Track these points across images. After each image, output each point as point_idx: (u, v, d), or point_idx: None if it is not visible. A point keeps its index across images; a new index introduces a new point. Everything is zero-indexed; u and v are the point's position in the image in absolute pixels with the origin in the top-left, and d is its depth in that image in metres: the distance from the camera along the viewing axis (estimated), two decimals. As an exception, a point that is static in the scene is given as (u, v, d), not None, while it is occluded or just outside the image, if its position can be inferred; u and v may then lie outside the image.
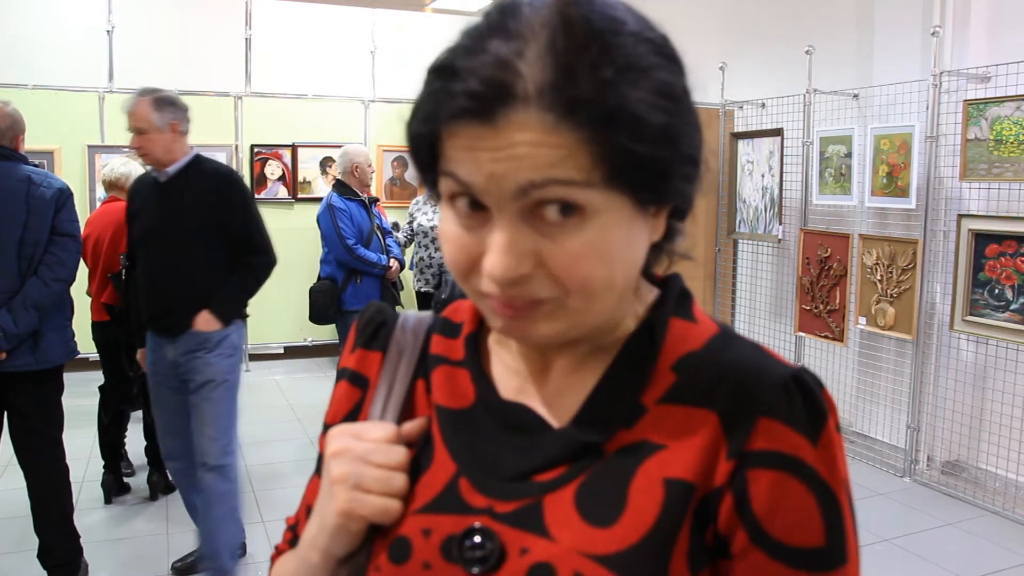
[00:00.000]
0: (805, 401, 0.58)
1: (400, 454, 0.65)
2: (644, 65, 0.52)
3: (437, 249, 5.06)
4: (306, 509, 0.75)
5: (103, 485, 3.77)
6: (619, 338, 0.63)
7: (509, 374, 0.66)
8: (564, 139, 0.51)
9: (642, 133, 0.52)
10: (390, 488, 0.63)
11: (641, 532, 0.57)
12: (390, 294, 4.69)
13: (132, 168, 3.74)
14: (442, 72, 0.54)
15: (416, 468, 0.65)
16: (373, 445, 0.64)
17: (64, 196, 2.84)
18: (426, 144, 0.56)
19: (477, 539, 0.60)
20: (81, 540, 3.04)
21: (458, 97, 0.52)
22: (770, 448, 0.57)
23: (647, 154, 0.52)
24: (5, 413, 2.88)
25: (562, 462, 0.60)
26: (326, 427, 0.73)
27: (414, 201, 5.49)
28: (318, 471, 0.75)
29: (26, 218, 2.75)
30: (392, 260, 4.67)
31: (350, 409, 0.73)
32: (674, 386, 0.61)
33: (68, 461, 3.00)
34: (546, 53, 0.51)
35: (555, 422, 0.63)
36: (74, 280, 2.91)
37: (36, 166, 2.94)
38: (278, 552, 0.77)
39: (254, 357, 6.58)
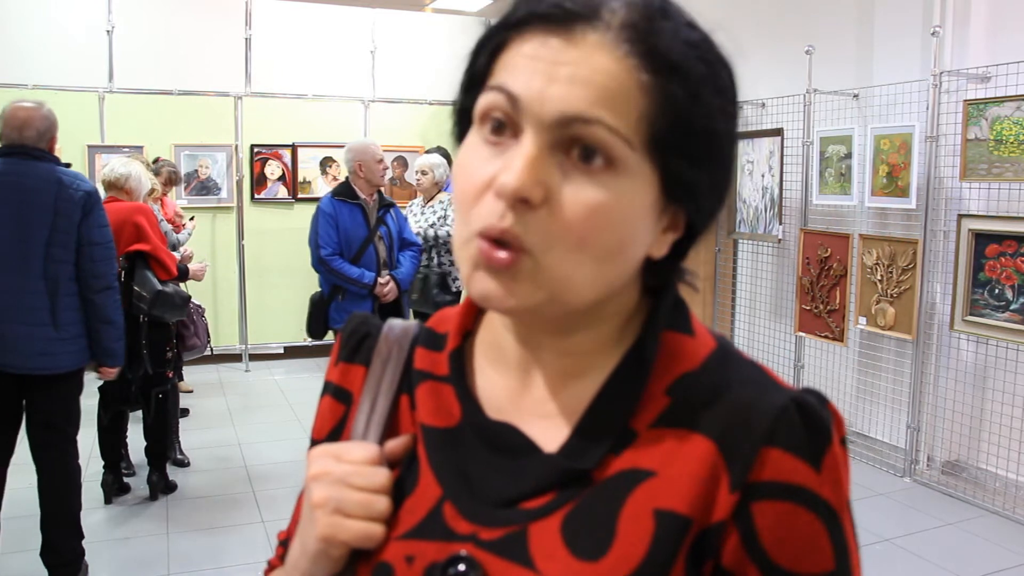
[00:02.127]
0: (806, 425, 0.56)
1: (382, 476, 0.62)
2: (715, 61, 0.56)
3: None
4: (297, 524, 0.75)
5: (103, 485, 3.76)
6: (612, 353, 0.61)
7: (495, 391, 0.63)
8: (627, 77, 0.52)
9: (698, 101, 0.54)
10: (372, 512, 0.61)
11: (631, 566, 0.54)
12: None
13: (133, 168, 3.71)
14: None
15: (400, 490, 0.63)
16: (354, 467, 0.62)
17: (92, 200, 2.85)
18: (493, 44, 0.56)
19: (460, 567, 0.58)
20: (83, 541, 3.05)
21: (545, 3, 0.54)
22: (774, 479, 0.55)
23: (696, 124, 0.54)
24: (25, 412, 2.92)
25: (549, 489, 0.58)
26: (312, 442, 0.72)
27: (408, 205, 5.27)
28: None
29: (53, 219, 2.77)
30: (385, 276, 4.13)
31: (334, 425, 0.71)
32: (667, 410, 0.58)
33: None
34: (637, 4, 0.54)
35: (543, 444, 0.60)
36: (116, 277, 2.97)
37: (67, 167, 2.95)
38: (270, 567, 0.76)
39: (254, 357, 6.59)
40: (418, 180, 5.12)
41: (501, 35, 0.56)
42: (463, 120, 0.59)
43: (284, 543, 0.76)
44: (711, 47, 0.56)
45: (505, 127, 0.54)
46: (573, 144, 0.53)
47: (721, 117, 0.56)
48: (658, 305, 0.62)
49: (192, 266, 4.22)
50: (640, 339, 0.60)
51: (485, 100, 0.55)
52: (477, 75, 0.57)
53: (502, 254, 0.53)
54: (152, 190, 4.19)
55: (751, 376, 0.59)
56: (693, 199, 0.57)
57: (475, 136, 0.56)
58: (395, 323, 0.72)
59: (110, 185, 3.66)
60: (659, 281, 0.63)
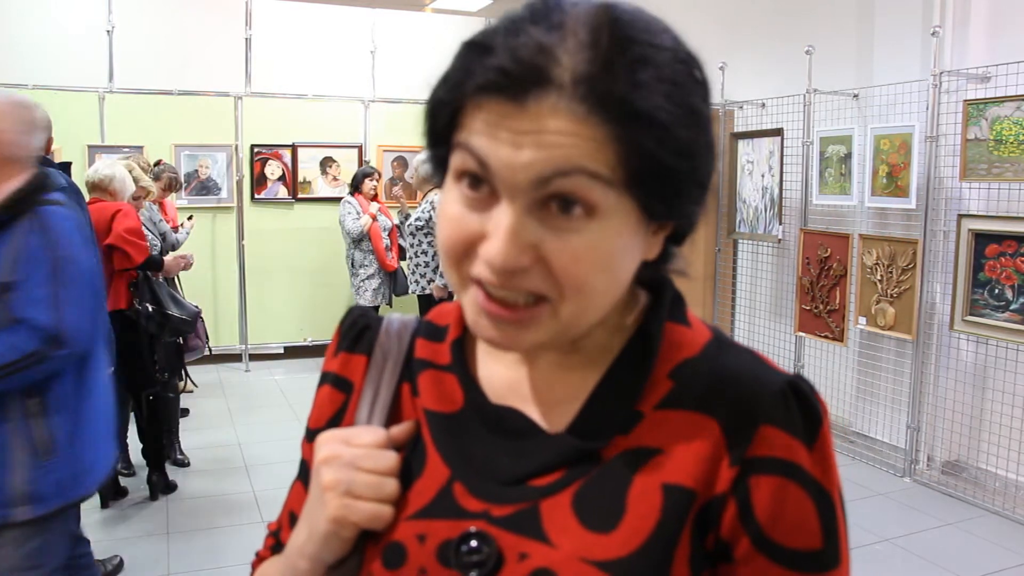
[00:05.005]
0: (801, 407, 0.59)
1: (391, 459, 0.64)
2: (678, 81, 0.53)
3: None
4: (288, 515, 0.75)
5: (99, 489, 3.72)
6: (612, 343, 0.63)
7: (497, 378, 0.66)
8: (592, 133, 0.51)
9: (667, 142, 0.52)
10: (382, 494, 0.63)
11: (641, 538, 0.57)
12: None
13: (117, 170, 3.65)
14: (477, 46, 0.54)
15: (408, 473, 0.65)
16: (363, 451, 0.64)
17: None
18: (448, 111, 0.55)
19: (473, 543, 0.59)
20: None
21: (490, 71, 0.52)
22: (771, 455, 0.58)
23: (668, 164, 0.52)
24: None
25: (559, 467, 0.60)
26: (309, 432, 0.72)
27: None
28: (300, 476, 0.75)
29: None
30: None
31: (334, 413, 0.72)
32: (670, 393, 0.61)
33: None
34: (587, 47, 0.51)
35: (548, 427, 0.62)
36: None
37: (65, 167, 2.91)
38: (259, 559, 0.76)
39: (254, 357, 6.58)
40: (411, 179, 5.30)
41: (454, 101, 0.55)
42: (441, 165, 0.60)
43: (275, 534, 0.77)
44: (676, 66, 0.53)
45: (482, 182, 0.54)
46: (551, 199, 0.53)
47: (697, 138, 0.55)
48: (660, 298, 0.64)
49: (167, 258, 4.01)
50: (643, 328, 0.63)
51: (458, 160, 0.55)
52: (440, 133, 0.57)
53: (513, 313, 0.55)
54: (148, 192, 4.13)
55: (747, 361, 0.63)
56: (678, 213, 0.58)
57: (454, 190, 0.57)
58: (394, 317, 0.73)
59: (94, 186, 3.61)
60: (654, 272, 0.64)
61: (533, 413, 0.63)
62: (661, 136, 0.51)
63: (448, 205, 0.57)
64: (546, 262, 0.53)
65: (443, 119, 0.56)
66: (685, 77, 0.54)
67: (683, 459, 0.58)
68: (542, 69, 0.51)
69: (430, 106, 0.57)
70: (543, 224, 0.53)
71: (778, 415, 0.58)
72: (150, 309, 3.61)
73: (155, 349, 3.70)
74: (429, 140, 0.59)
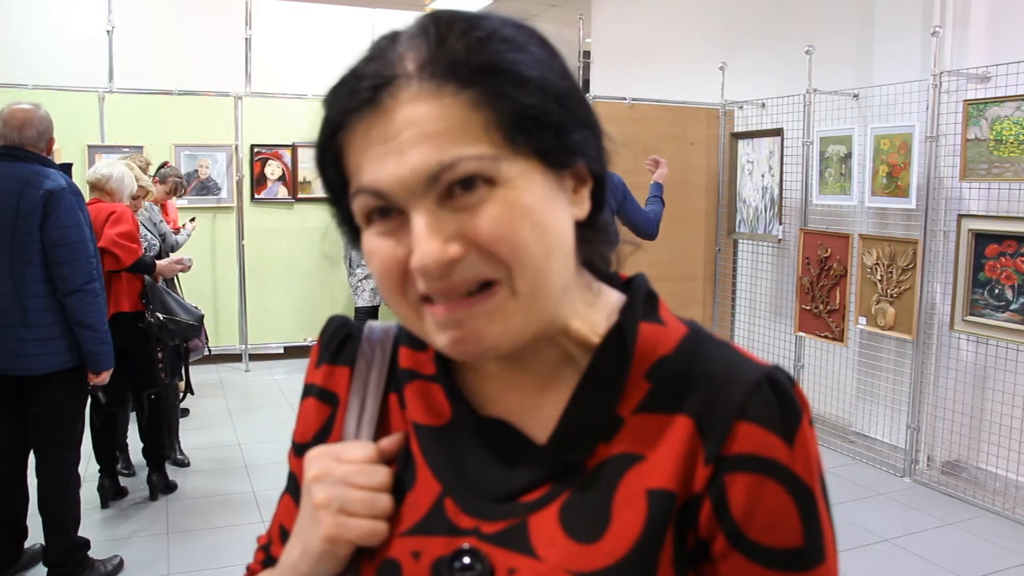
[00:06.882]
0: (779, 401, 0.58)
1: (383, 474, 0.63)
2: (514, 38, 0.55)
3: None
4: (279, 528, 0.74)
5: (99, 490, 3.71)
6: (589, 346, 0.62)
7: (482, 388, 0.65)
8: (453, 105, 0.52)
9: (523, 84, 0.53)
10: (376, 510, 0.62)
11: (627, 546, 0.57)
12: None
13: (115, 170, 3.60)
14: (330, 94, 0.57)
15: (399, 487, 0.64)
16: (355, 467, 0.63)
17: (54, 199, 2.71)
18: (331, 161, 0.57)
19: (466, 560, 0.59)
20: (81, 544, 3.03)
21: (343, 98, 0.55)
22: (746, 451, 0.57)
23: (534, 104, 0.53)
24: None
25: (545, 481, 0.60)
26: (296, 446, 0.72)
27: None
28: (289, 490, 0.74)
29: (15, 220, 2.69)
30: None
31: (320, 427, 0.71)
32: (649, 394, 0.60)
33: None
34: (419, 36, 0.55)
35: (534, 436, 0.62)
36: (92, 280, 2.79)
37: (67, 167, 2.89)
38: (250, 572, 0.75)
39: (254, 357, 6.58)
40: None
41: (331, 145, 0.57)
42: (352, 228, 0.60)
43: (266, 548, 0.75)
44: (504, 28, 0.55)
45: (391, 213, 0.55)
46: (451, 188, 0.53)
47: (554, 79, 0.56)
48: (633, 297, 0.64)
49: (162, 262, 3.82)
50: (616, 329, 0.62)
51: (358, 206, 0.56)
52: (337, 187, 0.58)
53: (468, 302, 0.54)
54: (146, 192, 4.08)
55: (724, 355, 0.61)
56: (579, 155, 0.58)
57: (370, 236, 0.57)
58: (375, 325, 0.72)
59: (93, 186, 3.57)
60: (593, 247, 0.63)
61: (520, 424, 0.63)
62: (514, 81, 0.53)
63: (371, 248, 0.57)
64: (474, 242, 0.53)
65: (331, 167, 0.58)
66: (515, 30, 0.56)
67: (664, 462, 0.58)
68: (385, 72, 0.54)
69: (316, 162, 0.59)
70: (455, 211, 0.53)
71: (753, 410, 0.57)
72: (162, 318, 3.61)
73: (161, 350, 3.70)
74: (331, 199, 0.60)
